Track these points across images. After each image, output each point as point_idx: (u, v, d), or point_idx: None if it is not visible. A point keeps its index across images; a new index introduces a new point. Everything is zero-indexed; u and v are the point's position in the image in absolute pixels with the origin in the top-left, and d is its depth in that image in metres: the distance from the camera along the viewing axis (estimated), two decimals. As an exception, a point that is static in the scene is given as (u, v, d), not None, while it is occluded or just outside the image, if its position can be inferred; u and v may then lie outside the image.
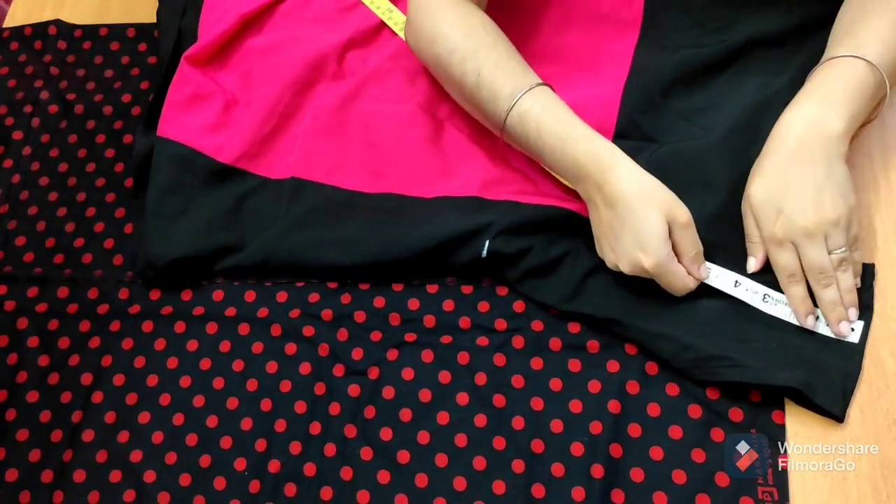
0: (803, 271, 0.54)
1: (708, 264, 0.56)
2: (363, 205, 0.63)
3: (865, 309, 0.55)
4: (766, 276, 0.56)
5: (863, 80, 0.54)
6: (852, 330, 0.54)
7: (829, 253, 0.53)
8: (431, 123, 0.66)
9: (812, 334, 0.54)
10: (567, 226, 0.59)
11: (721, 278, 0.56)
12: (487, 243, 0.59)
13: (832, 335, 0.54)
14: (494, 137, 0.62)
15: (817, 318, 0.55)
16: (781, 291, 0.55)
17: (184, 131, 0.67)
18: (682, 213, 0.54)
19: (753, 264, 0.56)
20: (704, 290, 0.56)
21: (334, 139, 0.67)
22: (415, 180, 0.64)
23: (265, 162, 0.67)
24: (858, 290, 0.55)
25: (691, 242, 0.54)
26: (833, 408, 0.52)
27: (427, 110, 0.67)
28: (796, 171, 0.53)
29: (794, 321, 0.55)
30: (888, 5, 0.56)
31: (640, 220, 0.53)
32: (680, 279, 0.54)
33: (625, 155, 0.55)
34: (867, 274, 0.56)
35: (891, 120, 0.62)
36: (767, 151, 0.56)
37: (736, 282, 0.56)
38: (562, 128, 0.56)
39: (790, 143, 0.54)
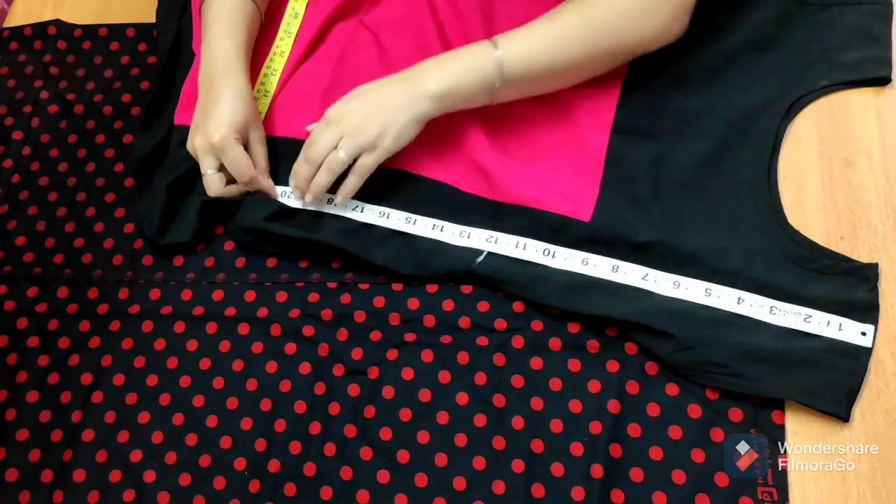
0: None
1: (709, 285, 0.56)
2: (405, 183, 0.63)
3: (871, 310, 0.55)
4: (770, 290, 0.56)
5: (480, 66, 0.58)
6: (863, 335, 0.54)
7: (336, 149, 0.59)
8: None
9: (820, 337, 0.54)
10: (564, 231, 0.60)
11: (723, 298, 0.56)
12: (484, 253, 0.59)
13: (832, 336, 0.54)
14: (495, 131, 0.63)
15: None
16: (788, 302, 0.55)
17: None
18: (262, 129, 0.64)
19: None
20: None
21: None
22: (445, 166, 0.63)
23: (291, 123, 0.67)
24: (864, 290, 0.55)
25: (262, 155, 0.63)
26: (837, 409, 0.52)
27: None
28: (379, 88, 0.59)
29: (802, 329, 0.54)
30: (552, 17, 0.59)
31: (222, 104, 0.61)
32: (245, 165, 0.61)
33: (244, 70, 0.63)
34: (871, 274, 0.56)
35: (890, 119, 0.62)
36: None
37: (739, 299, 0.56)
38: (221, 25, 0.63)
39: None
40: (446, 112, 0.60)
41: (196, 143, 0.61)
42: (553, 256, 0.59)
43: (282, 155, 0.65)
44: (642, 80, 0.64)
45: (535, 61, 0.59)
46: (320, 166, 0.60)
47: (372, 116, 0.58)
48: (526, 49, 0.58)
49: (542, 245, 0.59)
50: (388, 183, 0.62)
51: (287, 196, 0.63)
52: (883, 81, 0.63)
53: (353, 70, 0.68)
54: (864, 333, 0.54)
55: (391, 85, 0.59)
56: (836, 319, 0.54)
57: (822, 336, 0.54)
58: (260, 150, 0.63)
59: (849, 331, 0.54)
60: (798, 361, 0.53)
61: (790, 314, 0.55)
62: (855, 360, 0.53)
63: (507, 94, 0.61)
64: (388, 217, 0.62)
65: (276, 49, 0.69)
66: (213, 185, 0.62)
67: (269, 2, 0.70)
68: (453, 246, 0.60)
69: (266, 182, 0.63)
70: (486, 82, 0.59)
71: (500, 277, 0.59)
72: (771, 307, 0.55)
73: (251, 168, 0.61)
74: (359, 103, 0.59)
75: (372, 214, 0.62)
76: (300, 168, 0.61)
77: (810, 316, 0.55)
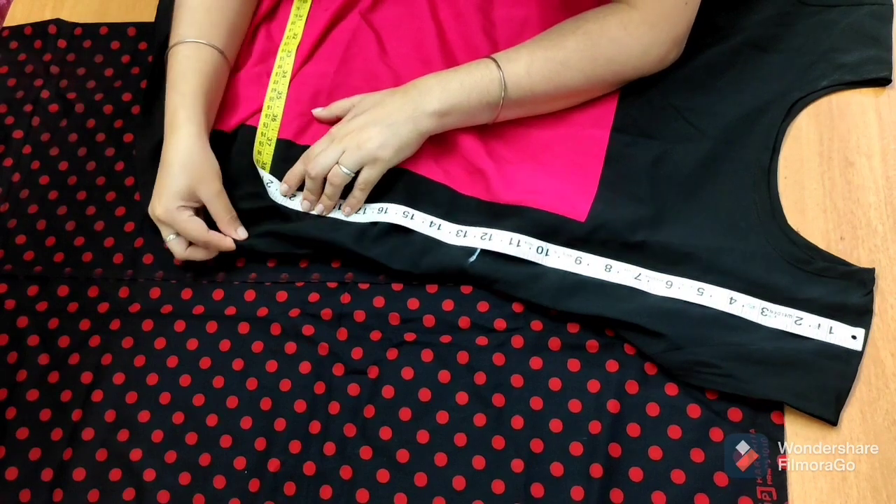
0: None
1: (702, 285, 0.56)
2: (405, 181, 0.63)
3: (864, 314, 0.55)
4: (764, 291, 0.56)
5: (483, 86, 0.59)
6: (854, 338, 0.54)
7: (338, 163, 0.60)
8: None
9: (811, 339, 0.54)
10: (560, 231, 0.59)
11: (715, 297, 0.56)
12: (477, 252, 0.59)
13: (822, 339, 0.54)
14: (495, 133, 0.64)
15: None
16: (781, 304, 0.55)
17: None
18: (215, 184, 0.61)
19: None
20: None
21: None
22: (444, 168, 0.63)
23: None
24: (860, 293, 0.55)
25: (223, 209, 0.62)
26: (825, 412, 0.52)
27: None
28: (387, 99, 0.61)
29: (793, 331, 0.54)
30: (555, 42, 0.60)
31: (165, 175, 0.60)
32: (194, 231, 0.61)
33: (194, 123, 0.61)
34: (867, 278, 0.56)
35: (890, 119, 0.62)
36: None
37: (731, 299, 0.56)
38: (175, 77, 0.62)
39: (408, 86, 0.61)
40: (447, 129, 0.61)
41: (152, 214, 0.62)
42: (546, 254, 0.59)
43: (288, 158, 0.65)
44: (643, 80, 0.64)
45: (536, 85, 0.60)
46: (324, 180, 0.61)
47: (373, 132, 0.59)
48: (528, 73, 0.60)
49: (536, 242, 0.59)
50: (388, 180, 0.62)
51: (774, 316, 0.56)
52: (883, 82, 0.63)
53: (355, 72, 0.68)
54: (854, 337, 0.54)
55: (394, 100, 0.61)
56: (826, 322, 0.54)
57: (812, 339, 0.54)
58: (220, 203, 0.62)
59: (839, 334, 0.54)
60: (788, 363, 0.53)
61: (781, 316, 0.55)
62: (845, 364, 0.53)
63: (507, 113, 0.62)
64: (385, 212, 0.62)
65: (284, 51, 0.69)
66: (175, 250, 0.62)
67: (242, 39, 0.69)
68: (447, 244, 0.60)
69: (237, 231, 0.62)
70: (488, 103, 0.60)
71: (494, 276, 0.59)
72: (762, 308, 0.55)
73: (204, 231, 0.61)
74: (362, 120, 0.61)
75: (371, 213, 0.62)
76: (306, 182, 0.62)
77: (801, 318, 0.54)
